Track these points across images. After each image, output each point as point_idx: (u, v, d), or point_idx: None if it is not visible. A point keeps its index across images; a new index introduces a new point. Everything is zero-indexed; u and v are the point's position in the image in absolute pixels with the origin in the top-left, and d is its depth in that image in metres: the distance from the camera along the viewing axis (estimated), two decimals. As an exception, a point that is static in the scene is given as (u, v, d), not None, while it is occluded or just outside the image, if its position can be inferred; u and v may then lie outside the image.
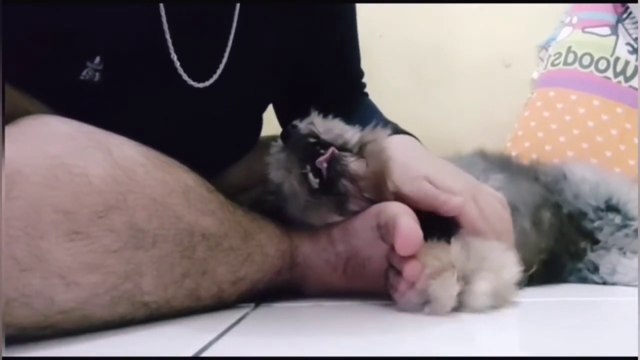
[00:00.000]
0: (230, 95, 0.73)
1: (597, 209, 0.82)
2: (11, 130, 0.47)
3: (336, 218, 0.64)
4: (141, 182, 0.50)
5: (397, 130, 0.75)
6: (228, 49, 0.72)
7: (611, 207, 0.82)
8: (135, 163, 0.51)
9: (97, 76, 0.62)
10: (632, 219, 0.80)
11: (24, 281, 0.43)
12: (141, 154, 0.52)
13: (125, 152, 0.51)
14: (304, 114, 0.66)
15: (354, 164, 0.62)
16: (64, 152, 0.47)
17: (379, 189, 0.64)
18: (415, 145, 0.74)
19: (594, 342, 0.46)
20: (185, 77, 0.68)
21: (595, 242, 0.82)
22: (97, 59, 0.62)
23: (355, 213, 0.64)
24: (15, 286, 0.43)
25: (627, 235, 0.80)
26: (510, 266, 0.58)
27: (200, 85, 0.70)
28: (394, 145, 0.69)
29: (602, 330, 0.52)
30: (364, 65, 0.93)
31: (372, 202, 0.63)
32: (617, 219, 0.81)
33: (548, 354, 0.42)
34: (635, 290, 0.72)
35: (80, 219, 0.45)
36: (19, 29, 0.55)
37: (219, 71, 0.71)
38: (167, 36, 0.66)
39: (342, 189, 0.62)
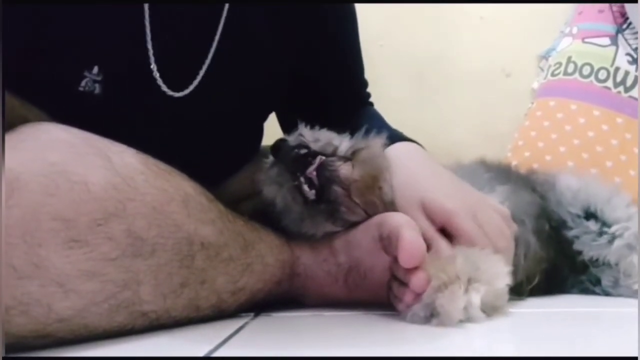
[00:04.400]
0: (211, 104, 0.71)
1: (576, 217, 0.80)
2: (10, 138, 0.47)
3: (330, 227, 0.64)
4: (141, 190, 0.50)
5: (400, 138, 0.75)
6: (209, 59, 0.70)
7: (590, 215, 0.79)
8: (134, 171, 0.51)
9: (97, 88, 0.62)
10: (609, 226, 0.78)
11: (22, 289, 0.43)
12: (141, 161, 0.52)
13: (124, 159, 0.51)
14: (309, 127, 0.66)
15: (343, 168, 0.62)
16: (63, 159, 0.47)
17: (368, 193, 0.64)
18: (418, 154, 0.73)
19: (595, 346, 0.46)
20: (162, 85, 0.67)
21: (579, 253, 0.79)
22: (96, 69, 0.62)
23: (349, 221, 0.64)
24: (13, 294, 0.42)
25: (602, 244, 0.77)
26: (503, 276, 0.58)
27: (178, 94, 0.68)
28: (396, 156, 0.69)
29: (602, 336, 0.52)
30: (365, 74, 0.93)
31: (360, 207, 0.63)
32: (595, 227, 0.78)
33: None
34: (635, 301, 0.72)
35: (79, 227, 0.45)
36: (14, 38, 0.54)
37: (196, 81, 0.69)
38: (149, 45, 0.65)
39: (333, 195, 0.62)
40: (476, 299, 0.54)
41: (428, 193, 0.64)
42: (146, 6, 0.65)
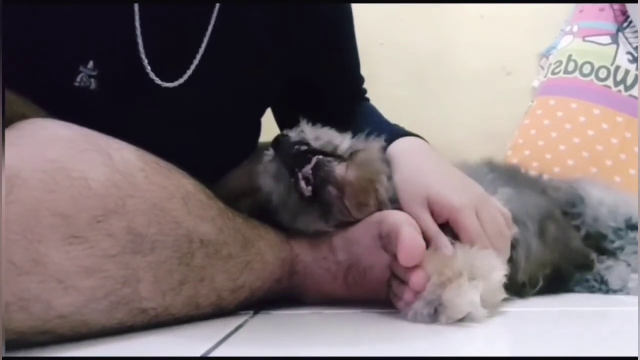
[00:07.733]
0: (203, 98, 0.71)
1: (617, 230, 0.83)
2: (9, 134, 0.47)
3: (323, 225, 0.64)
4: (141, 187, 0.50)
5: (404, 133, 0.75)
6: (202, 50, 0.70)
7: (631, 226, 0.83)
8: (134, 167, 0.51)
9: (92, 83, 0.62)
10: None
11: (22, 285, 0.43)
12: (141, 158, 0.52)
13: (124, 156, 0.51)
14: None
15: (339, 169, 0.62)
16: (62, 155, 0.47)
17: (362, 196, 0.63)
18: (422, 149, 0.73)
19: (596, 346, 0.46)
20: (152, 76, 0.67)
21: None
22: (91, 64, 0.62)
23: (342, 221, 0.64)
24: (12, 290, 0.42)
25: None
26: (498, 268, 0.58)
27: (169, 84, 0.68)
28: (400, 151, 0.69)
29: (604, 336, 0.52)
30: (365, 72, 0.93)
31: (350, 211, 0.63)
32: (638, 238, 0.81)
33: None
34: (634, 299, 0.72)
35: (78, 223, 0.45)
36: (9, 34, 0.54)
37: (189, 71, 0.69)
38: (139, 37, 0.65)
39: (327, 195, 0.62)
40: (475, 296, 0.54)
41: (433, 188, 0.64)
42: (136, 5, 0.65)
